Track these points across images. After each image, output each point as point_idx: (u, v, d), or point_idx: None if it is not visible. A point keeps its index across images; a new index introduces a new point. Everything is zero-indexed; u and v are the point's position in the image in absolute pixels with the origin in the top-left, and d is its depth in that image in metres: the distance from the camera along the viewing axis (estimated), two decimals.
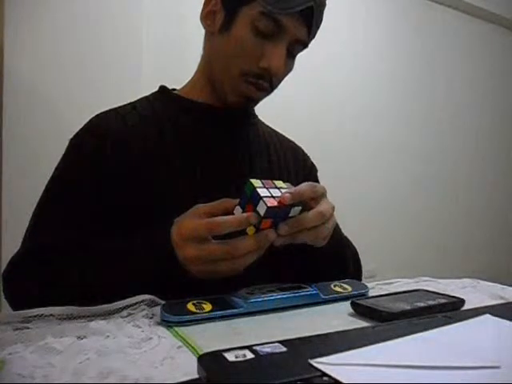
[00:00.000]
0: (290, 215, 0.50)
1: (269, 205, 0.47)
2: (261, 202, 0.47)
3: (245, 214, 0.48)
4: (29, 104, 1.36)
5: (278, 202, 0.48)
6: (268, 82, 0.65)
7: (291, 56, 0.67)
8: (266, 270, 0.65)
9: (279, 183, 0.52)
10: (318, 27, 0.66)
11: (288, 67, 0.68)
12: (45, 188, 0.65)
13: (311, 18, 0.62)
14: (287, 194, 0.48)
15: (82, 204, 0.61)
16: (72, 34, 1.43)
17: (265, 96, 0.70)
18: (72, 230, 0.59)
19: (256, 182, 0.49)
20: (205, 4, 0.68)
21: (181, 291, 0.48)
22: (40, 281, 0.56)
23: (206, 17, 0.67)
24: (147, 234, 0.54)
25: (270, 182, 0.51)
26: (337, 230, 0.65)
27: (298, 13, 0.61)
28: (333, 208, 0.56)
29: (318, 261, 0.62)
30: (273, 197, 0.48)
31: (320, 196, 0.54)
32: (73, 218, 0.60)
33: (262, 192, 0.48)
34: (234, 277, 0.53)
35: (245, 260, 0.49)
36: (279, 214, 0.49)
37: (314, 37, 0.67)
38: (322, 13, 0.65)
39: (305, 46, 0.67)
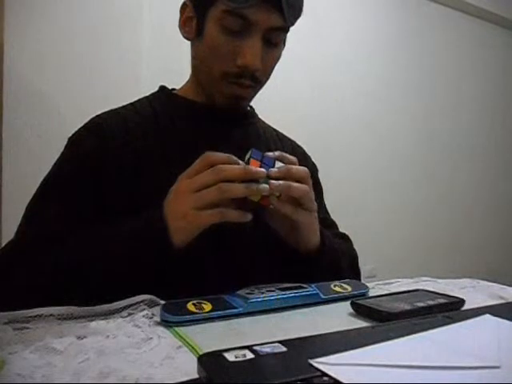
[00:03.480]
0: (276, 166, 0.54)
1: (254, 149, 0.53)
2: (249, 151, 0.53)
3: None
4: (29, 104, 1.36)
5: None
6: (250, 78, 0.64)
7: (272, 45, 0.64)
8: (265, 270, 0.65)
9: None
10: (295, 7, 0.62)
11: (272, 57, 0.66)
12: (41, 183, 0.64)
13: (280, 2, 0.59)
14: (271, 153, 0.55)
15: (78, 201, 0.61)
16: (72, 34, 1.43)
17: (254, 92, 0.69)
18: (66, 226, 0.59)
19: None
20: (181, 12, 0.68)
21: (180, 291, 0.48)
22: (28, 268, 0.55)
23: (184, 24, 0.68)
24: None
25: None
26: (329, 242, 0.64)
27: (262, 2, 0.58)
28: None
29: (313, 271, 0.61)
30: None
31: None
32: (67, 214, 0.60)
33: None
34: (234, 276, 0.53)
35: (235, 189, 0.50)
36: (265, 161, 0.53)
37: (295, 18, 0.63)
38: None
39: (285, 30, 0.64)
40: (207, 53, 0.64)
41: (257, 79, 0.65)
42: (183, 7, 0.68)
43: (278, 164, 0.54)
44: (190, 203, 0.51)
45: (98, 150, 0.63)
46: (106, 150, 0.63)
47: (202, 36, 0.64)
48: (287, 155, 0.57)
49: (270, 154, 0.55)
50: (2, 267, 0.59)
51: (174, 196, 0.53)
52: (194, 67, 0.72)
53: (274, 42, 0.64)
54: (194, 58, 0.70)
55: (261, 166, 0.52)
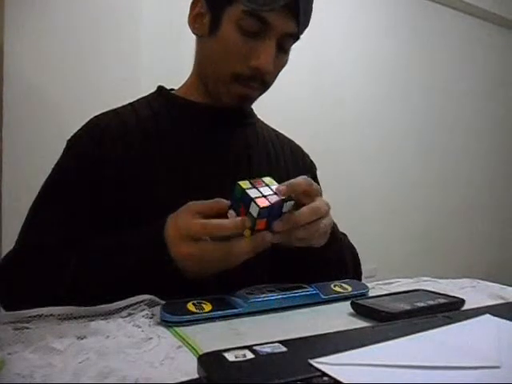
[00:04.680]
0: (284, 211, 0.50)
1: (261, 206, 0.46)
2: (252, 203, 0.47)
3: (240, 218, 0.48)
4: (29, 104, 1.36)
5: (271, 202, 0.47)
6: (259, 81, 0.65)
7: (282, 50, 0.65)
8: (265, 270, 0.65)
9: (269, 180, 0.51)
10: (307, 17, 0.64)
11: (281, 62, 0.67)
12: (41, 187, 0.64)
13: (298, 10, 0.60)
14: (282, 187, 0.48)
15: (79, 204, 0.61)
16: (72, 34, 1.43)
17: (260, 94, 0.69)
18: (67, 230, 0.59)
19: (244, 184, 0.48)
20: (192, 7, 0.68)
21: (180, 291, 0.48)
22: (29, 280, 0.56)
23: (194, 20, 0.67)
24: (141, 231, 0.54)
25: (258, 180, 0.50)
26: (336, 234, 0.64)
27: (282, 7, 0.59)
28: (328, 205, 0.55)
29: (318, 266, 0.61)
30: (264, 196, 0.48)
31: (314, 192, 0.53)
32: (69, 218, 0.60)
33: (253, 193, 0.48)
34: (234, 277, 0.53)
35: (239, 260, 0.49)
36: (273, 212, 0.48)
37: (306, 27, 0.65)
38: (311, 1, 0.63)
39: (296, 38, 0.65)
40: (220, 51, 0.64)
41: (265, 82, 0.66)
42: (194, 2, 0.67)
43: (288, 203, 0.50)
44: (197, 266, 0.50)
45: (96, 153, 0.63)
46: (105, 152, 0.63)
47: (216, 34, 0.63)
48: (295, 182, 0.50)
49: (282, 187, 0.48)
50: (4, 278, 0.59)
51: (177, 256, 0.50)
52: (200, 64, 0.71)
53: (285, 47, 0.65)
54: (201, 55, 0.69)
55: (269, 214, 0.48)
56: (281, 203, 0.49)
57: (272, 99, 0.75)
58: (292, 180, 0.50)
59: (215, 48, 0.64)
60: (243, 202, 0.48)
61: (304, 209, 0.51)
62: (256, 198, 0.47)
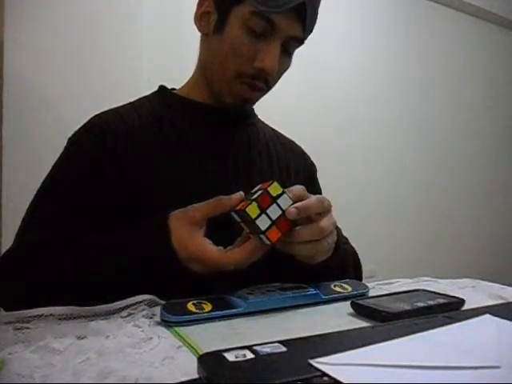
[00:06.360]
0: (284, 208, 0.49)
1: (273, 240, 0.49)
2: (263, 236, 0.49)
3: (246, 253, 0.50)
4: (29, 104, 1.36)
5: (282, 231, 0.49)
6: (263, 81, 0.65)
7: (287, 53, 0.66)
8: (266, 270, 0.64)
9: (274, 187, 0.49)
10: (313, 22, 0.64)
11: (284, 65, 0.67)
12: (41, 185, 0.64)
13: (304, 14, 0.61)
14: (293, 209, 0.49)
15: (79, 203, 0.61)
16: (72, 34, 1.43)
17: (262, 95, 0.69)
18: (67, 228, 0.59)
19: (254, 211, 0.48)
20: (198, 5, 0.68)
21: (181, 291, 0.48)
22: (28, 279, 0.55)
23: (200, 18, 0.67)
24: (145, 224, 0.55)
25: (265, 195, 0.49)
26: (339, 242, 0.62)
27: (290, 10, 0.59)
28: (334, 224, 0.55)
29: (320, 272, 0.61)
30: (273, 222, 0.48)
31: (325, 211, 0.53)
32: (68, 216, 0.60)
33: (262, 223, 0.48)
34: (234, 277, 0.53)
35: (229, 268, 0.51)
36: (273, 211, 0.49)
37: (310, 32, 0.65)
38: (317, 7, 0.64)
39: (301, 42, 0.66)
40: (225, 50, 0.64)
41: (268, 83, 0.66)
42: (201, 1, 0.67)
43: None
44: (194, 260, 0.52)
45: (97, 151, 0.63)
46: (106, 150, 0.63)
47: (222, 33, 0.64)
48: (307, 205, 0.51)
49: (293, 210, 0.49)
50: (3, 277, 0.59)
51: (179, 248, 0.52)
52: (204, 62, 0.70)
53: (289, 51, 0.66)
54: (206, 53, 0.69)
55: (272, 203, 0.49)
56: (276, 204, 0.49)
57: (273, 100, 0.75)
58: (304, 202, 0.51)
59: (220, 47, 0.64)
60: (250, 226, 0.50)
61: (308, 228, 0.51)
62: (266, 230, 0.48)
